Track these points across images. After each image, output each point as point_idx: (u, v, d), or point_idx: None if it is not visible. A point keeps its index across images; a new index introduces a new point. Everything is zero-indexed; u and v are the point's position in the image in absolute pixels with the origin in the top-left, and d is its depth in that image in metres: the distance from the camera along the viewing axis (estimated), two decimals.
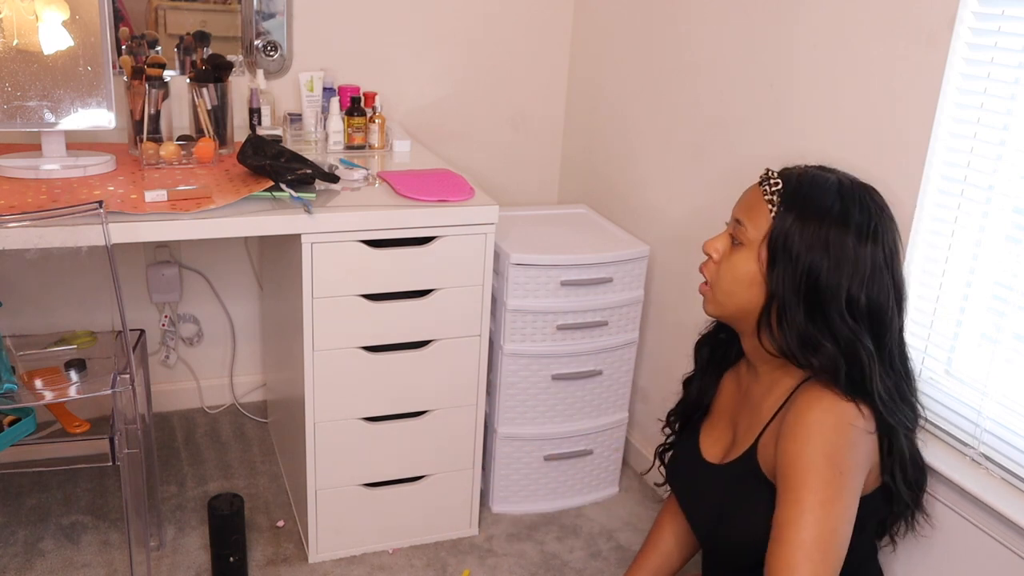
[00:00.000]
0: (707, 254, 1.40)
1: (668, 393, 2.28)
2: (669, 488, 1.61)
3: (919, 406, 1.40)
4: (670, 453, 1.61)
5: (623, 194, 2.47)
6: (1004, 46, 1.35)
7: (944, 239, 1.48)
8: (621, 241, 2.22)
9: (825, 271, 1.27)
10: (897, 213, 1.45)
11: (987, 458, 1.42)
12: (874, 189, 1.36)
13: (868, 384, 1.28)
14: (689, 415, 1.57)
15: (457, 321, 1.95)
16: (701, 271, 1.42)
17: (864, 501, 1.30)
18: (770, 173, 1.36)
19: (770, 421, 1.35)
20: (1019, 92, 1.34)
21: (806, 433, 1.25)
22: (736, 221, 1.37)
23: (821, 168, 1.39)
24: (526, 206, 2.55)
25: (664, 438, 1.63)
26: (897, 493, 1.35)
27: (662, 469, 1.62)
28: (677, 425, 1.60)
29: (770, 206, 1.32)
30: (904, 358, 1.38)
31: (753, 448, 1.36)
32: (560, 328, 2.11)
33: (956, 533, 1.43)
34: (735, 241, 1.37)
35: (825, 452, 1.23)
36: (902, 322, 1.36)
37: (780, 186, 1.32)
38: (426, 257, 1.88)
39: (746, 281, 1.34)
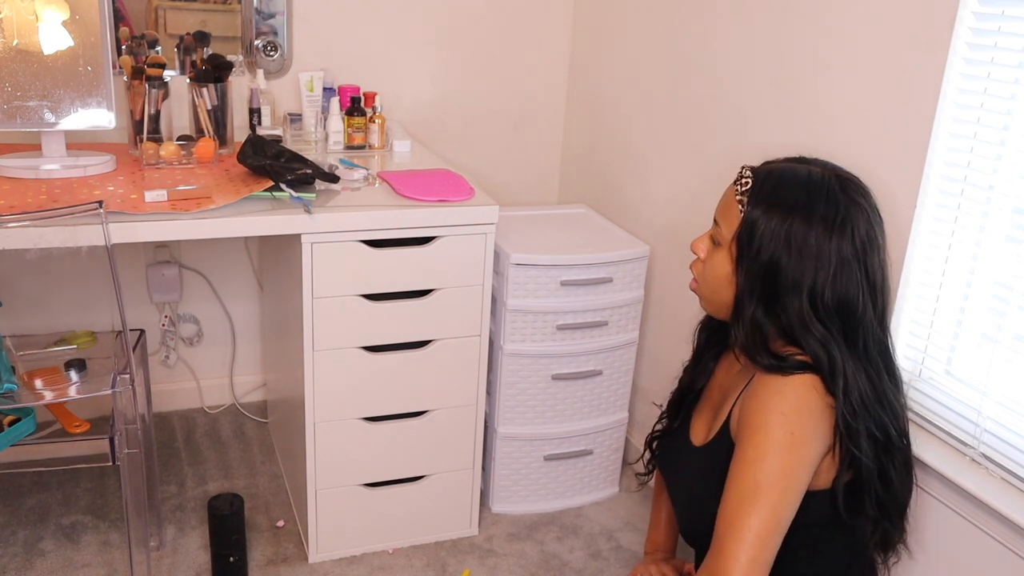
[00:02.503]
0: (694, 252, 1.43)
1: (668, 393, 2.28)
2: (657, 482, 1.62)
3: (901, 407, 1.36)
4: (657, 441, 1.62)
5: (623, 194, 2.47)
6: (1004, 46, 1.35)
7: (944, 239, 1.48)
8: (621, 241, 2.23)
9: (786, 265, 1.28)
10: (897, 213, 1.46)
11: (987, 458, 1.42)
12: (853, 180, 1.35)
13: (832, 387, 1.27)
14: (682, 400, 1.58)
15: (457, 321, 1.95)
16: (691, 269, 1.45)
17: (810, 497, 1.28)
18: (744, 171, 1.37)
19: (742, 392, 1.35)
20: (1019, 92, 1.34)
21: (767, 391, 1.27)
22: (714, 222, 1.40)
23: (799, 160, 1.38)
24: (526, 206, 2.55)
25: (652, 427, 1.63)
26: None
27: (647, 456, 1.63)
28: (669, 411, 1.61)
29: (740, 206, 1.34)
30: (884, 352, 1.35)
31: (727, 423, 1.37)
32: (560, 328, 2.11)
33: (956, 533, 1.43)
34: (715, 241, 1.39)
35: (782, 410, 1.24)
36: (880, 315, 1.35)
37: (750, 184, 1.33)
38: (426, 257, 1.88)
39: (725, 280, 1.36)
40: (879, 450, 1.31)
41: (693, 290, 1.45)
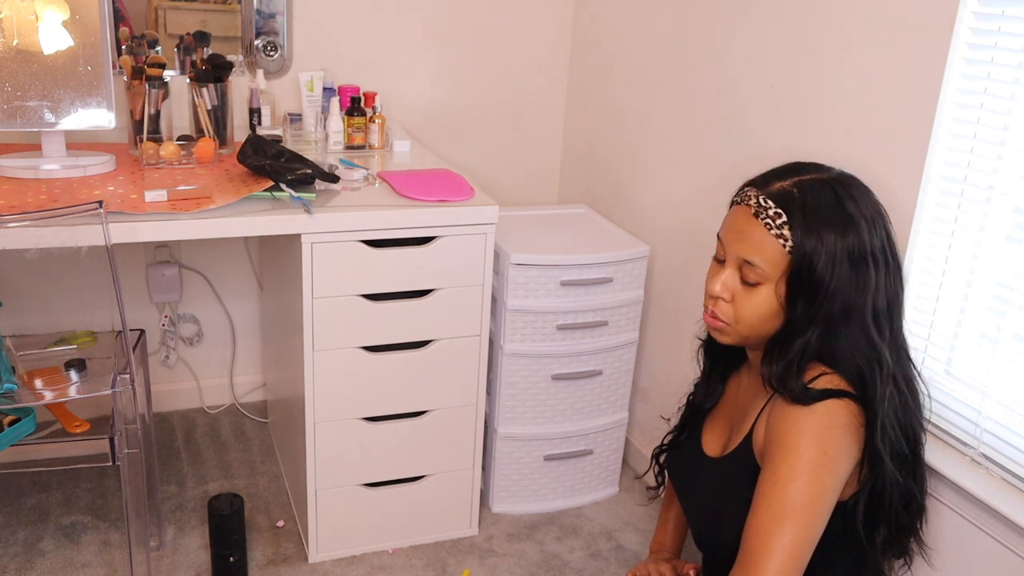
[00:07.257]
0: (718, 296, 1.33)
1: (668, 393, 2.28)
2: (668, 486, 1.61)
3: (925, 412, 1.36)
4: (665, 455, 1.61)
5: (623, 194, 2.47)
6: (1004, 46, 1.35)
7: (944, 239, 1.48)
8: (621, 241, 2.22)
9: (850, 285, 1.25)
10: (897, 213, 1.45)
11: (987, 458, 1.42)
12: (850, 175, 1.33)
13: (874, 405, 1.26)
14: (691, 417, 1.57)
15: (457, 321, 1.95)
16: (712, 311, 1.35)
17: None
18: (763, 202, 1.28)
19: (765, 406, 1.34)
20: (1019, 92, 1.34)
21: (799, 410, 1.25)
22: (745, 262, 1.29)
23: (793, 171, 1.32)
24: (526, 206, 2.55)
25: (661, 440, 1.63)
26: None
27: (656, 469, 1.62)
28: (679, 426, 1.60)
29: (782, 241, 1.26)
30: (905, 344, 1.35)
31: (749, 436, 1.36)
32: (560, 328, 2.11)
33: (956, 533, 1.43)
34: (747, 280, 1.30)
35: (815, 429, 1.23)
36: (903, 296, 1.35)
37: (784, 216, 1.26)
38: (426, 257, 1.88)
39: (771, 314, 1.30)
40: (904, 471, 1.31)
41: (717, 329, 1.36)
